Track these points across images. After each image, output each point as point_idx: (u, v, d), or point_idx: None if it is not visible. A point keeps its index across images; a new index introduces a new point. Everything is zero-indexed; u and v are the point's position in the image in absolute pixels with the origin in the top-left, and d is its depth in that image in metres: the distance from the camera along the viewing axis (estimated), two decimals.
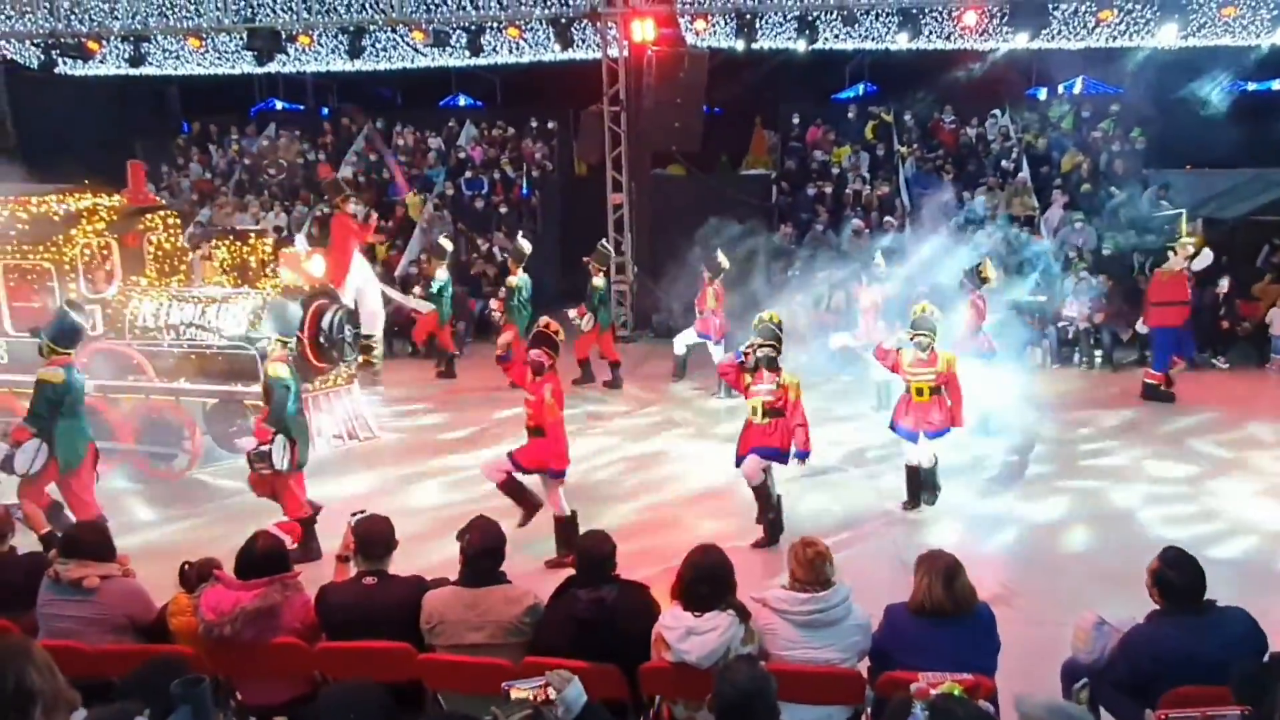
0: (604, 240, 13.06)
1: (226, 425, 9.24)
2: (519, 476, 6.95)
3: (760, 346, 7.08)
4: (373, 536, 4.45)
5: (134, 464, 9.12)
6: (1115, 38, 14.40)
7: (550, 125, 18.82)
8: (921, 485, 7.81)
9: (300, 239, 10.23)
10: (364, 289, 10.61)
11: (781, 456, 7.15)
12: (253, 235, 9.70)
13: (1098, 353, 13.19)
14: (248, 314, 9.03)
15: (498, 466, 6.95)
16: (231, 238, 9.73)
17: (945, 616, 3.87)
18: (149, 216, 9.86)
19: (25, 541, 5.04)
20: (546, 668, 3.28)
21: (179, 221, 9.98)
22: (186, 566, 4.55)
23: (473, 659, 4.01)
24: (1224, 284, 12.69)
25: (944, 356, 7.62)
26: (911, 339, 7.69)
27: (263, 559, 4.21)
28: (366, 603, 4.25)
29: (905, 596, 4.04)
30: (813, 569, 3.91)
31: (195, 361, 9.11)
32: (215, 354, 9.07)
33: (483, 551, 4.20)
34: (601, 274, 12.24)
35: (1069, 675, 4.22)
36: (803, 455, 7.19)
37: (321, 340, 9.08)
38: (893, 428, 7.87)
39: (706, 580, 3.95)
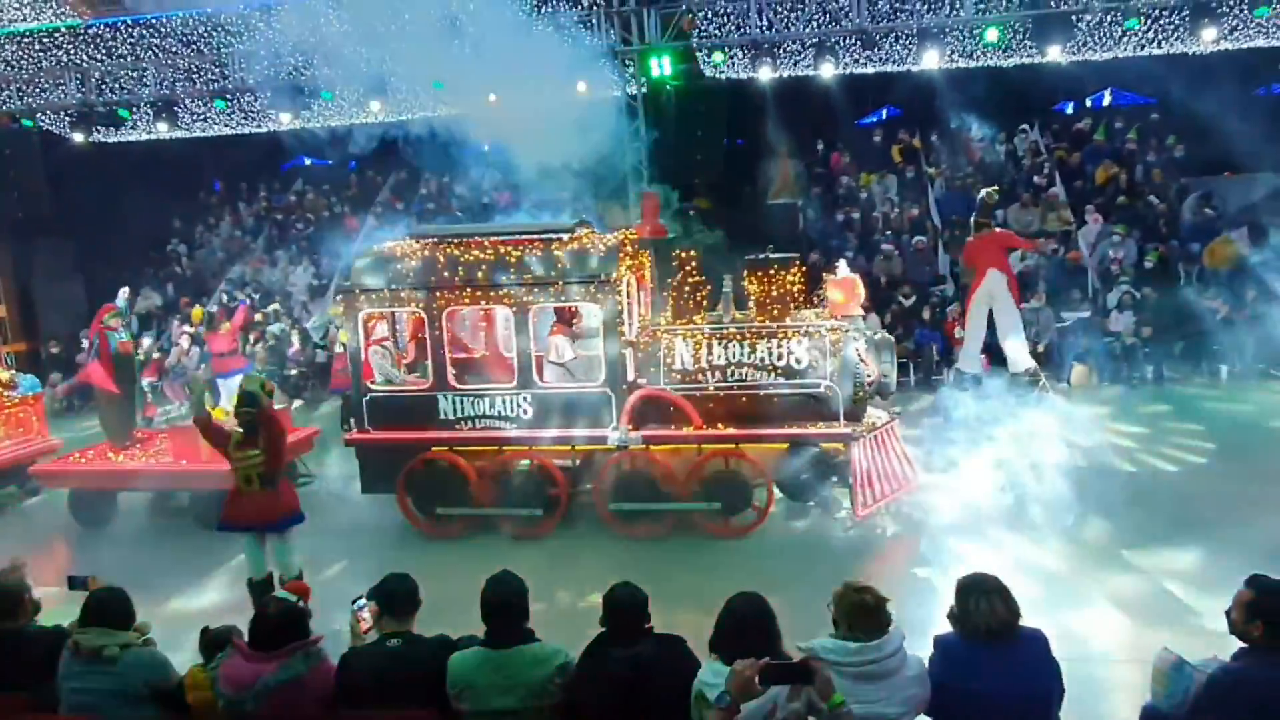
0: None
1: (797, 473, 8.18)
2: None
3: (240, 411, 6.57)
4: (399, 593, 4.24)
5: (697, 522, 8.29)
6: (1144, 46, 14.09)
7: None
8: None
9: (843, 265, 9.33)
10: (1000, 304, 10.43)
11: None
12: (777, 264, 8.44)
13: (1148, 368, 12.78)
14: (806, 349, 8.04)
15: None
16: (760, 268, 8.48)
17: (1005, 637, 3.64)
18: (647, 251, 9.09)
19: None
20: None
21: (697, 254, 8.87)
22: (206, 632, 4.38)
23: None
24: None
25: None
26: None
27: (278, 626, 4.00)
28: (391, 667, 4.03)
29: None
30: (865, 615, 3.62)
31: (748, 403, 8.18)
32: (771, 394, 8.13)
33: (505, 608, 3.95)
34: None
35: None
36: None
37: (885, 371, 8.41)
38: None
39: (747, 630, 3.68)
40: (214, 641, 4.25)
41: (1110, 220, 15.23)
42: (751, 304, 8.48)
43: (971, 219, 10.63)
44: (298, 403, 10.76)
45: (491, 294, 8.31)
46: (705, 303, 8.55)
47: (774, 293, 8.37)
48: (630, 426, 8.16)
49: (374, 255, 8.75)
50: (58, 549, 9.15)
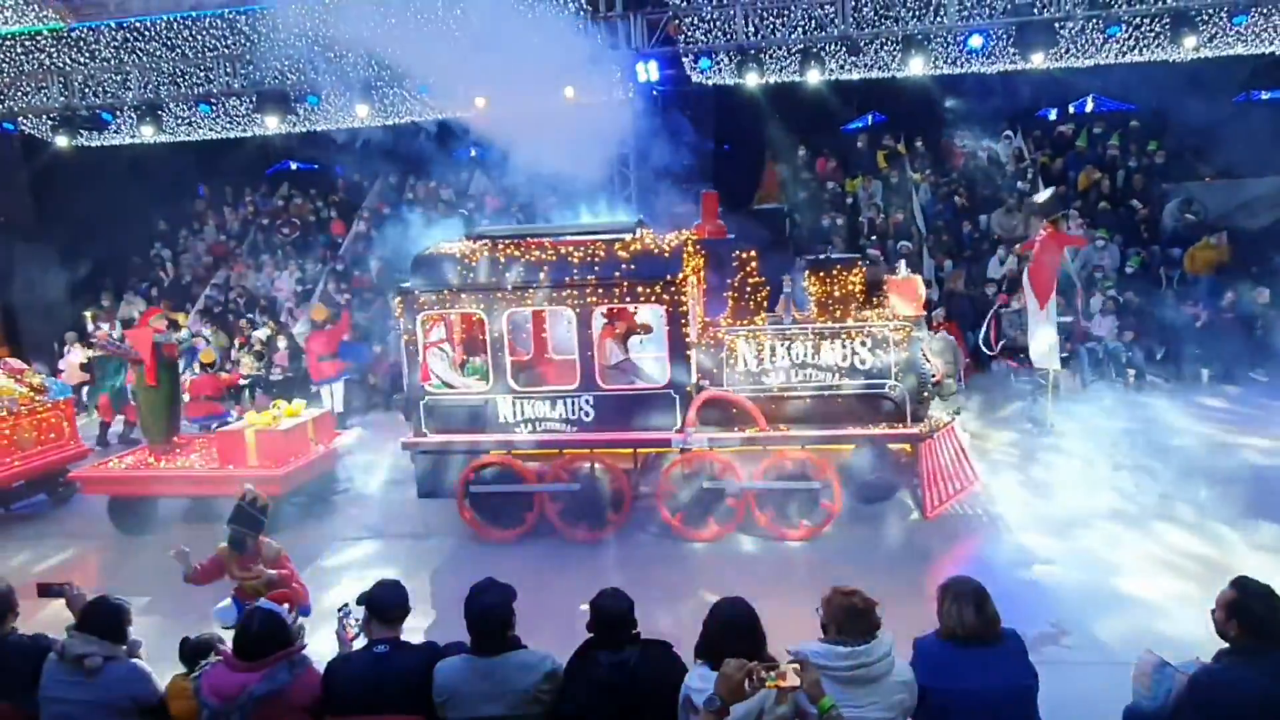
0: None
1: (862, 474, 8.17)
2: None
3: (233, 529, 6.05)
4: (389, 600, 4.23)
5: (764, 524, 8.19)
6: (1126, 53, 14.22)
7: None
8: None
9: (903, 265, 9.38)
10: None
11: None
12: (838, 265, 8.35)
13: (1130, 371, 12.88)
14: (871, 349, 7.99)
15: None
16: (822, 268, 8.35)
17: (978, 643, 3.67)
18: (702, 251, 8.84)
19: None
20: None
21: (755, 254, 8.56)
22: (187, 640, 4.36)
23: None
24: (1264, 294, 12.44)
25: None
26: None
27: (260, 636, 3.99)
28: (377, 673, 4.02)
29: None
30: (853, 618, 3.64)
31: (812, 404, 8.08)
32: (836, 395, 8.02)
33: (492, 616, 3.94)
34: None
35: None
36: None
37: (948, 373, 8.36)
38: None
39: (733, 635, 3.68)
40: (195, 650, 4.22)
41: (1093, 226, 15.36)
42: (812, 304, 8.43)
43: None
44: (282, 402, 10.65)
45: (554, 295, 8.16)
46: (765, 303, 8.49)
47: (836, 293, 8.30)
48: (695, 429, 8.12)
49: (433, 255, 8.54)
50: (89, 555, 9.08)
